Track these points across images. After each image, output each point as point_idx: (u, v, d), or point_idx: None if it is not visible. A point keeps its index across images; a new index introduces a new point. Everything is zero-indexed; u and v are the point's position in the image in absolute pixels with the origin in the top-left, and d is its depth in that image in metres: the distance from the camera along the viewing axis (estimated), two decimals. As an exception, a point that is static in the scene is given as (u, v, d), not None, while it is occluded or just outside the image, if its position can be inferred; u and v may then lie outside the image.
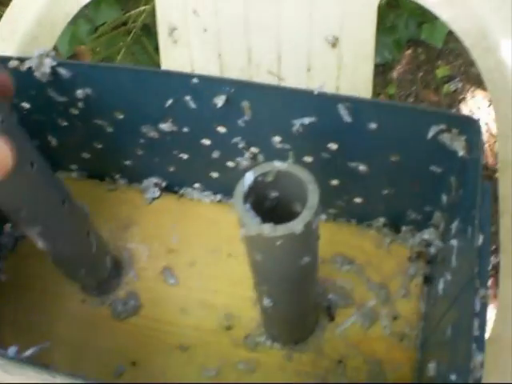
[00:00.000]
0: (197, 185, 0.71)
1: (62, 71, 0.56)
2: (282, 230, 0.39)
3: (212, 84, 0.53)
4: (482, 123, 0.47)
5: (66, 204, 0.54)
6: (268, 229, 0.39)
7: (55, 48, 1.14)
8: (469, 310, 0.42)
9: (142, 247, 0.70)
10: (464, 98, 1.78)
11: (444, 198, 0.58)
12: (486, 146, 1.57)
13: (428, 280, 0.64)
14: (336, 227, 0.69)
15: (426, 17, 1.68)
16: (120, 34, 1.64)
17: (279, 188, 0.44)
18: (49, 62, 0.55)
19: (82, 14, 1.61)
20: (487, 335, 0.41)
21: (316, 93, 0.51)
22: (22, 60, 0.56)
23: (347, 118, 0.51)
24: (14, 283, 0.71)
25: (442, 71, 1.85)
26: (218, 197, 0.72)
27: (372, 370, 0.61)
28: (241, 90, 0.53)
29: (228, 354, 0.63)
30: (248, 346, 0.63)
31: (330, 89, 1.01)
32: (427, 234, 0.62)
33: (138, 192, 0.74)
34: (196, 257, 0.69)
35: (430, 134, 0.51)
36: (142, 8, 1.41)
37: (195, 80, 0.53)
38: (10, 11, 0.97)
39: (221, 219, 0.71)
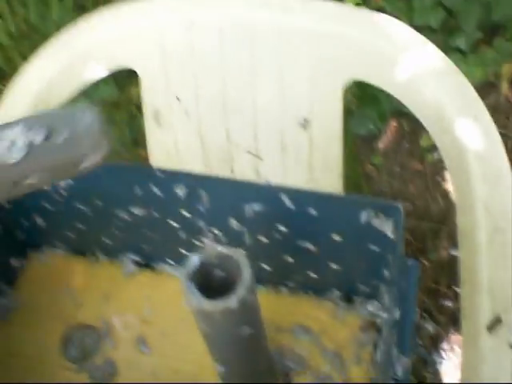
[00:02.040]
0: (169, 260, 0.78)
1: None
2: (219, 305, 0.46)
3: (173, 176, 0.61)
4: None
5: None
6: (207, 304, 0.46)
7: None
8: (391, 375, 0.49)
9: (119, 318, 0.77)
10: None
11: (386, 272, 0.65)
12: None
13: (377, 347, 0.70)
14: (295, 299, 0.75)
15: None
16: (114, 111, 1.74)
17: (224, 269, 0.51)
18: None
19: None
20: None
21: (262, 184, 0.58)
22: None
23: (290, 205, 0.59)
24: (3, 348, 0.77)
25: (425, 141, 1.93)
26: (190, 271, 0.79)
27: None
28: (198, 181, 0.61)
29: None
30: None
31: (303, 167, 1.09)
32: (371, 307, 0.69)
33: (116, 267, 0.81)
34: (168, 327, 0.76)
35: (363, 218, 0.58)
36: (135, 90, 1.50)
37: (158, 173, 0.61)
38: (6, 97, 1.05)
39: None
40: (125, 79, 1.77)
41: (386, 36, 0.96)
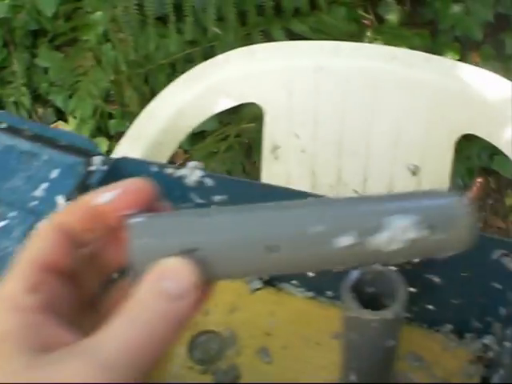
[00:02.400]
0: (294, 281, 0.85)
1: (207, 180, 0.72)
2: (377, 315, 0.53)
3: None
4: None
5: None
6: (366, 313, 0.53)
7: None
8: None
9: (243, 328, 0.84)
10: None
11: (502, 310, 0.71)
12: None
13: (484, 381, 0.76)
14: (410, 330, 0.81)
15: (497, 149, 1.80)
16: (213, 143, 1.83)
17: (375, 285, 0.58)
18: (198, 173, 0.71)
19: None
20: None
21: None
22: (177, 168, 0.73)
23: (428, 238, 0.65)
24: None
25: (510, 200, 1.97)
26: (311, 293, 0.86)
27: None
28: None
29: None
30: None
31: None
32: (487, 340, 0.75)
33: (243, 283, 0.88)
34: (289, 341, 0.83)
35: (494, 256, 0.64)
36: (246, 125, 1.60)
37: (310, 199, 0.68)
38: (141, 118, 1.15)
39: (311, 312, 0.85)
40: (225, 115, 1.88)
41: (498, 94, 1.02)
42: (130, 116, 1.94)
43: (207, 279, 0.36)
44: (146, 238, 0.36)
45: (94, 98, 1.86)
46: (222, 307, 0.87)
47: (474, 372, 0.77)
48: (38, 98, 2.11)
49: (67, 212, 0.39)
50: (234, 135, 1.78)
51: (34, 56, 2.06)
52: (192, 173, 0.72)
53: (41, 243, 0.37)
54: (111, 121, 2.01)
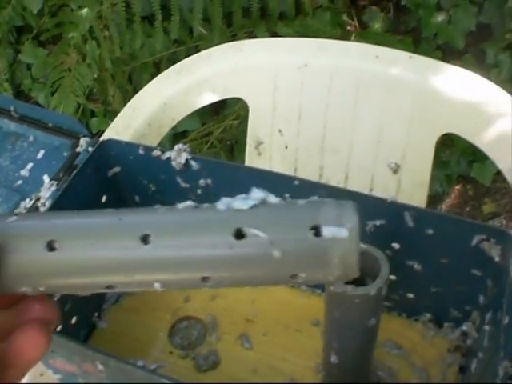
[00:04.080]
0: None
1: (193, 163, 0.73)
2: (361, 290, 0.54)
3: (311, 187, 0.69)
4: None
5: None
6: (350, 288, 0.54)
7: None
8: (493, 380, 0.56)
9: (225, 314, 0.85)
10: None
11: (481, 298, 0.72)
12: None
13: (462, 370, 0.77)
14: (389, 318, 0.82)
15: (476, 156, 1.83)
16: (195, 142, 1.84)
17: (358, 264, 0.58)
18: (185, 155, 0.72)
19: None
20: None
21: (389, 200, 0.66)
22: (163, 151, 0.73)
23: (410, 223, 0.67)
24: (112, 330, 0.85)
25: (488, 208, 1.99)
26: (292, 282, 0.86)
27: None
28: (331, 193, 0.69)
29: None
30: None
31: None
32: (466, 327, 0.76)
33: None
34: (269, 328, 0.83)
35: (474, 241, 0.65)
36: (230, 122, 1.61)
37: (296, 182, 0.69)
38: (126, 110, 1.16)
39: (292, 300, 0.85)
40: (207, 115, 1.89)
41: (480, 94, 1.04)
42: (112, 114, 1.94)
43: None
44: None
45: (78, 95, 1.86)
46: (203, 294, 0.87)
47: (452, 361, 0.78)
48: (20, 94, 2.11)
49: None
50: (217, 134, 1.79)
51: (17, 52, 2.06)
52: (179, 155, 0.72)
53: None
54: (93, 119, 2.00)
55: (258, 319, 0.84)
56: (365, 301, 0.55)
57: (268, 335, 0.83)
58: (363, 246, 0.57)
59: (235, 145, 1.76)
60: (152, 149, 0.74)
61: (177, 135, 1.84)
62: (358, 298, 0.54)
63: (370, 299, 0.54)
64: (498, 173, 1.79)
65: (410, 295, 0.78)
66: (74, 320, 0.79)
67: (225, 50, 1.14)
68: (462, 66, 1.07)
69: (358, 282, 0.58)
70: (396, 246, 0.71)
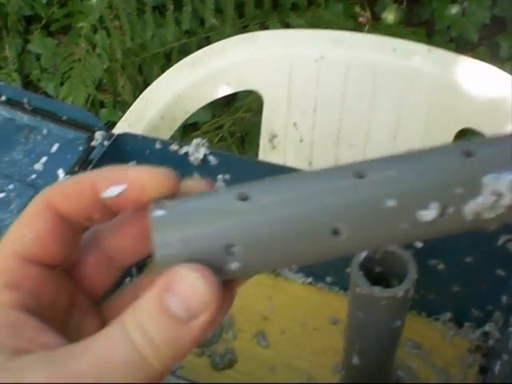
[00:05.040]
0: (293, 266, 0.84)
1: (211, 158, 0.71)
2: (388, 292, 0.52)
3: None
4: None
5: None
6: (377, 290, 0.52)
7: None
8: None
9: (241, 312, 0.83)
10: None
11: (504, 298, 0.71)
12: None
13: (483, 370, 0.75)
14: (408, 317, 0.80)
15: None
16: (206, 133, 1.82)
17: (384, 264, 0.57)
18: (203, 150, 0.70)
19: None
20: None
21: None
22: (181, 145, 0.72)
23: (435, 221, 0.65)
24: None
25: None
26: (309, 279, 0.85)
27: None
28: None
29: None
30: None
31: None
32: (488, 327, 0.74)
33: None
34: (286, 326, 0.82)
35: (500, 241, 0.64)
36: (242, 115, 1.59)
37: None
38: (138, 102, 1.14)
39: (310, 298, 0.84)
40: (218, 107, 1.87)
41: (499, 88, 1.02)
42: (122, 105, 1.93)
43: (237, 277, 0.31)
44: (170, 234, 0.29)
45: (87, 85, 1.84)
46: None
47: (473, 361, 0.76)
48: (29, 84, 2.09)
49: (62, 194, 0.31)
50: (228, 126, 1.77)
51: (26, 42, 2.04)
52: (197, 150, 0.71)
53: (28, 228, 0.31)
54: (102, 110, 1.99)
55: (274, 317, 0.83)
56: (391, 303, 0.53)
57: (285, 333, 0.81)
58: (389, 247, 0.56)
59: (246, 137, 1.74)
60: (169, 143, 0.72)
61: (187, 127, 1.83)
62: (384, 299, 0.52)
63: (397, 301, 0.53)
64: None
65: (431, 294, 0.77)
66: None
67: (238, 41, 1.13)
68: (475, 58, 1.05)
69: (382, 283, 0.57)
70: (419, 244, 0.69)
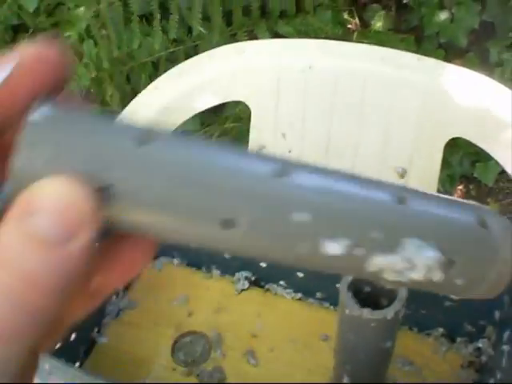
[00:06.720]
0: (282, 282, 0.83)
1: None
2: (378, 314, 0.51)
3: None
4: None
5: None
6: (367, 312, 0.51)
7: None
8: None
9: (230, 330, 0.82)
10: None
11: (497, 313, 0.69)
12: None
13: (477, 386, 0.74)
14: (399, 333, 0.79)
15: (479, 156, 1.80)
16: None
17: (372, 284, 0.56)
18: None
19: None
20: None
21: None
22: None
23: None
24: (112, 346, 0.82)
25: (491, 208, 1.96)
26: (299, 295, 0.83)
27: None
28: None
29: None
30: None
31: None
32: (481, 343, 0.73)
33: (229, 282, 0.86)
34: (275, 344, 0.80)
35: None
36: (231, 125, 1.58)
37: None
38: (125, 112, 1.12)
39: (300, 314, 0.82)
40: (207, 116, 1.86)
41: (489, 97, 1.01)
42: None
43: (118, 227, 0.24)
44: (42, 147, 0.23)
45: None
46: (207, 307, 0.84)
47: (466, 377, 0.75)
48: (16, 94, 2.07)
49: None
50: (217, 136, 1.76)
51: (13, 51, 2.02)
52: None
53: None
54: (91, 119, 1.97)
55: (264, 334, 0.81)
56: (381, 324, 0.52)
57: (274, 351, 0.80)
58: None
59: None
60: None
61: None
62: (374, 322, 0.51)
63: (387, 323, 0.51)
64: (501, 172, 1.77)
65: (423, 309, 0.75)
66: (73, 336, 0.76)
67: (226, 51, 1.11)
68: (464, 64, 1.04)
69: (371, 303, 0.56)
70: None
